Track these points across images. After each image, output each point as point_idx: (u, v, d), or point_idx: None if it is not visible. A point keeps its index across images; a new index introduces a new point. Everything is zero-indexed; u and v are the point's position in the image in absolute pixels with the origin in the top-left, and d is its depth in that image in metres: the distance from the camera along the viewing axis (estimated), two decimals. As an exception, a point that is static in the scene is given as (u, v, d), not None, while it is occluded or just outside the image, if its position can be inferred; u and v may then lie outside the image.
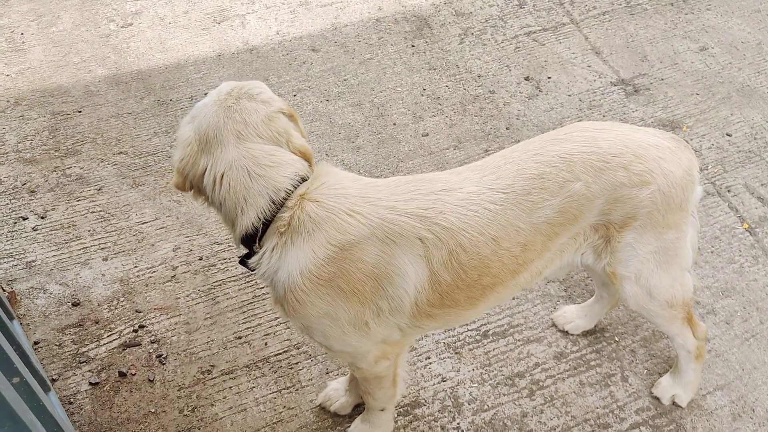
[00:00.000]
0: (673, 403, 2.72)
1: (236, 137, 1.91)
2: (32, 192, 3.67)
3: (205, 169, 1.93)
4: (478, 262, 2.04)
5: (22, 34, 4.80)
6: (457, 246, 2.00)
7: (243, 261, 2.07)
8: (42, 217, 3.53)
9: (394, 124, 4.11)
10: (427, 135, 4.03)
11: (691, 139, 3.95)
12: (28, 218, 3.52)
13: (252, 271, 2.07)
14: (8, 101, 4.28)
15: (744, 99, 4.21)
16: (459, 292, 2.08)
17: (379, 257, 1.96)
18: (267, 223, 1.95)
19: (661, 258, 2.28)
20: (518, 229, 2.06)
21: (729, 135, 3.97)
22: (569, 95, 4.29)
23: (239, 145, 1.91)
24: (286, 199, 1.94)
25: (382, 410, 2.47)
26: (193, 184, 2.00)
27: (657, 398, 2.74)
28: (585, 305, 2.96)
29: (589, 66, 4.50)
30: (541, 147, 2.13)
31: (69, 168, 3.83)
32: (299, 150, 1.99)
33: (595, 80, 4.40)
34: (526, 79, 4.43)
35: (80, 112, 4.22)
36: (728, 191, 3.63)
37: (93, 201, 3.63)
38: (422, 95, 4.32)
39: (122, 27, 4.87)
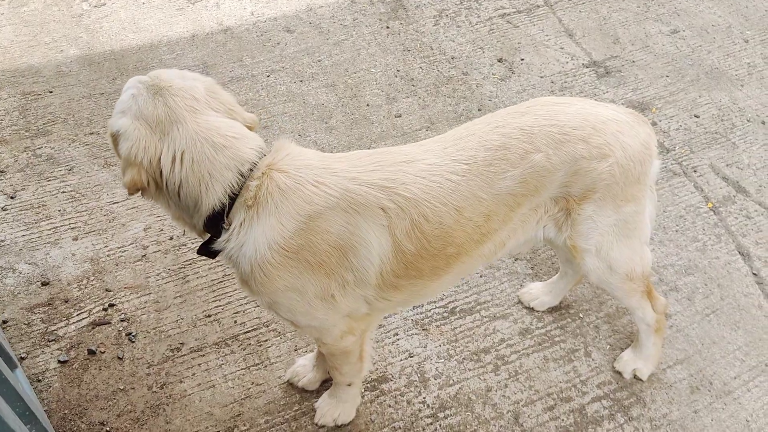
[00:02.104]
0: (635, 376, 2.79)
1: (191, 112, 1.89)
2: (2, 172, 3.65)
3: (161, 152, 1.87)
4: (441, 232, 2.07)
5: (-8, 13, 4.74)
6: (420, 216, 2.03)
7: (206, 247, 2.03)
8: (11, 197, 3.51)
9: (368, 104, 4.13)
10: (400, 116, 4.05)
11: (660, 120, 4.00)
12: (-3, 198, 3.50)
13: (213, 257, 2.05)
14: (-22, 81, 4.23)
15: (712, 81, 4.27)
16: (423, 262, 2.11)
17: (343, 228, 1.97)
18: (233, 199, 1.93)
19: (621, 231, 2.32)
20: (480, 200, 2.09)
21: (697, 116, 4.03)
22: (542, 77, 4.32)
23: (197, 119, 1.89)
24: (251, 171, 1.93)
25: (349, 385, 2.51)
26: (148, 175, 1.90)
27: (619, 372, 2.81)
28: (550, 282, 3.01)
29: (561, 48, 4.53)
30: (502, 120, 2.17)
31: (39, 148, 3.81)
32: (247, 121, 2.00)
33: (567, 62, 4.43)
34: (500, 60, 4.45)
35: (51, 92, 4.19)
36: (694, 171, 3.70)
37: (63, 181, 3.62)
38: (396, 76, 4.33)
39: (95, 6, 4.83)
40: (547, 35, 4.63)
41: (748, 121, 4.01)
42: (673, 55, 4.47)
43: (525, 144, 2.11)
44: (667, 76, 4.31)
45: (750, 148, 3.84)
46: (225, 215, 1.94)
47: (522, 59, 4.45)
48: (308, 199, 1.94)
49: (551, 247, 2.84)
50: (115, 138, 1.91)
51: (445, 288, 2.41)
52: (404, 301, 2.27)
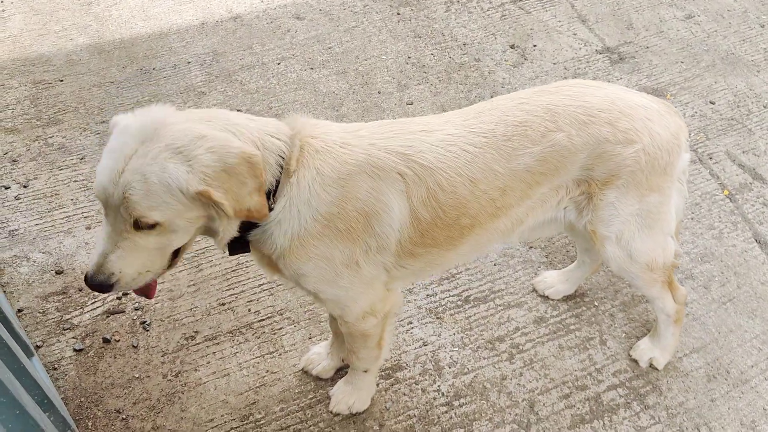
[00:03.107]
0: (651, 365, 2.77)
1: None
2: (14, 161, 3.65)
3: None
4: (455, 202, 2.07)
5: (1, 2, 4.72)
6: (435, 184, 2.03)
7: (238, 241, 1.99)
8: (24, 186, 3.51)
9: (379, 92, 4.10)
10: (411, 103, 4.02)
11: (675, 107, 3.95)
12: (10, 187, 3.50)
13: (249, 249, 2.04)
14: (-12, 70, 4.23)
15: (728, 67, 4.21)
16: (438, 231, 2.11)
17: (368, 193, 1.97)
18: (278, 180, 1.92)
19: (643, 221, 2.30)
20: (496, 173, 2.08)
21: (712, 103, 3.99)
22: (554, 63, 4.28)
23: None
24: (288, 146, 1.93)
25: (365, 371, 2.50)
26: None
27: (635, 361, 2.79)
28: (566, 270, 2.99)
29: (574, 34, 4.49)
30: (527, 97, 2.16)
31: (51, 137, 3.81)
32: None
33: (580, 48, 4.39)
34: (512, 47, 4.41)
35: (62, 81, 4.18)
36: (710, 158, 3.66)
37: (75, 170, 3.61)
38: (407, 63, 4.30)
39: (104, -5, 4.81)
40: (559, 21, 4.58)
41: (764, 107, 3.96)
42: (688, 40, 4.41)
43: (547, 122, 2.09)
44: (682, 62, 4.26)
45: (767, 134, 3.80)
46: (272, 195, 1.93)
47: (534, 45, 4.41)
48: (341, 160, 1.95)
49: (571, 234, 2.82)
50: (252, 163, 1.80)
51: (461, 259, 2.39)
52: (421, 270, 2.26)
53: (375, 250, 2.07)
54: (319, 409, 2.63)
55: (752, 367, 2.79)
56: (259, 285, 3.05)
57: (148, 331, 2.89)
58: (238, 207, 1.79)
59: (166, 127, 1.74)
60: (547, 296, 3.01)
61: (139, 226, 1.76)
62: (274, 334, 2.88)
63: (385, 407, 2.64)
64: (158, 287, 3.04)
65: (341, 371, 2.71)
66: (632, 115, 2.14)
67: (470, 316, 2.96)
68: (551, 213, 2.31)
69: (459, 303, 3.01)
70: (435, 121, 2.12)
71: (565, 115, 2.10)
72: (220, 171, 1.74)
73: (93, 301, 3.00)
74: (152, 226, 1.76)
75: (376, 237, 2.04)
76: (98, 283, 1.81)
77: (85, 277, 1.83)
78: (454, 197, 2.06)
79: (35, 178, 3.56)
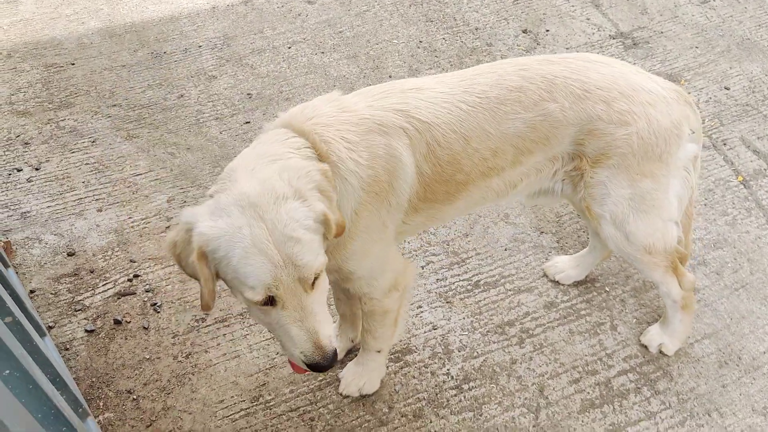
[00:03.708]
0: (660, 351, 2.76)
1: None
2: (26, 144, 3.66)
3: None
4: (451, 158, 2.09)
5: (13, -15, 4.73)
6: (433, 140, 2.05)
7: None
8: (36, 169, 3.53)
9: (390, 76, 4.08)
10: (422, 88, 4.00)
11: (689, 93, 3.91)
12: (22, 170, 3.52)
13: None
14: (0, 53, 4.24)
15: (743, 52, 4.16)
16: (438, 186, 2.14)
17: (385, 149, 1.99)
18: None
19: (637, 205, 2.27)
20: (488, 134, 2.10)
21: (727, 88, 3.94)
22: (567, 48, 4.24)
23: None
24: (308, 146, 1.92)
25: (378, 352, 2.51)
26: None
27: (645, 346, 2.78)
28: (577, 256, 2.97)
29: (588, 19, 4.44)
30: (530, 64, 2.17)
31: (63, 120, 3.82)
32: None
33: (593, 33, 4.34)
34: (524, 32, 4.37)
35: (73, 64, 4.19)
36: (724, 144, 3.62)
37: (87, 153, 3.63)
38: (419, 48, 4.27)
39: (115, -22, 4.80)
40: (572, 6, 4.54)
41: (780, 93, 3.91)
42: (702, 25, 4.36)
43: (543, 91, 2.10)
44: (696, 48, 4.21)
45: (782, 120, 3.75)
46: None
47: (547, 30, 4.37)
48: (352, 122, 1.96)
49: (581, 219, 2.80)
50: (329, 176, 1.86)
51: (457, 214, 2.39)
52: (421, 224, 2.29)
53: (395, 208, 2.09)
54: (329, 391, 2.63)
55: (764, 353, 2.76)
56: (269, 268, 3.05)
57: (158, 312, 2.91)
58: (339, 221, 1.82)
59: (249, 191, 1.71)
60: (557, 281, 3.00)
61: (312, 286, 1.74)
62: (284, 316, 2.88)
63: (395, 390, 2.64)
64: (168, 270, 3.06)
65: (350, 354, 2.72)
66: (632, 97, 2.12)
67: (480, 301, 2.95)
68: (547, 183, 2.33)
69: (469, 288, 3.00)
70: (426, 80, 2.14)
71: (562, 86, 2.11)
72: (319, 193, 1.78)
73: (104, 282, 3.02)
74: (315, 279, 1.75)
75: (395, 195, 2.05)
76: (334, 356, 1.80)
77: (324, 358, 1.76)
78: (450, 153, 2.08)
79: (47, 161, 3.57)
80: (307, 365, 1.78)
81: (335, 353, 1.79)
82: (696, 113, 2.26)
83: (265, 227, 1.66)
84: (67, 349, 2.77)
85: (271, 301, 1.71)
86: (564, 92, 2.10)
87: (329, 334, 1.78)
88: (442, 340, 2.81)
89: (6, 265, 2.84)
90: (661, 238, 2.37)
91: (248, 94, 3.98)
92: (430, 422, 2.53)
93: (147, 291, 2.99)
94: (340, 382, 2.63)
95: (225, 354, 2.76)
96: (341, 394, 2.61)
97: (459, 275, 3.04)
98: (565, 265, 2.99)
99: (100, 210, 3.33)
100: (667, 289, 2.57)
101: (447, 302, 2.94)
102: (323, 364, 1.76)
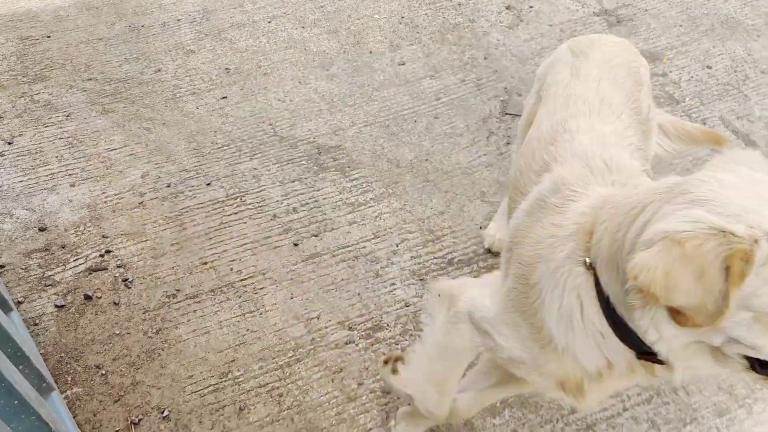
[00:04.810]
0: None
1: None
2: (-1, 117, 3.62)
3: None
4: None
5: (-12, -45, 4.64)
6: None
7: None
8: (9, 143, 3.48)
9: (370, 52, 4.03)
10: (403, 64, 3.96)
11: (671, 71, 3.88)
12: (-6, 144, 3.48)
13: None
14: (-25, 25, 4.17)
15: (727, 31, 4.12)
16: None
17: None
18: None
19: None
20: None
21: (709, 67, 3.91)
22: (550, 25, 4.19)
23: None
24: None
25: None
26: None
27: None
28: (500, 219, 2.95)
29: (572, -5, 4.39)
30: None
31: (37, 94, 3.76)
32: None
33: (577, 10, 4.29)
34: (507, 8, 4.32)
35: (49, 37, 4.12)
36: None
37: (61, 127, 3.58)
38: (400, 23, 4.22)
39: (93, -51, 4.71)
40: (557, -18, 4.47)
41: (762, 72, 3.88)
42: (687, 3, 4.31)
43: None
44: (680, 26, 4.17)
45: (763, 100, 3.73)
46: None
47: (531, 7, 4.31)
48: None
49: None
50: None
51: None
52: None
53: None
54: (298, 368, 2.63)
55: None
56: (242, 245, 3.03)
57: (129, 288, 2.89)
58: None
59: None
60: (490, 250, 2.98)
61: None
62: (256, 293, 2.87)
63: (365, 367, 2.64)
64: (141, 246, 3.04)
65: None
66: None
67: (454, 278, 2.94)
68: None
69: (443, 265, 2.99)
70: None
71: None
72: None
73: (75, 258, 3.00)
74: None
75: None
76: None
77: None
78: None
79: (20, 135, 3.53)
80: None
81: None
82: None
83: None
84: (36, 324, 2.76)
85: None
86: None
87: None
88: (413, 318, 2.81)
89: (-26, 240, 2.82)
90: None
91: (226, 68, 3.93)
92: (398, 398, 2.54)
93: (119, 266, 2.97)
94: None
95: (195, 330, 2.75)
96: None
97: (433, 253, 3.03)
98: (496, 230, 2.97)
99: (73, 185, 3.29)
100: None
101: (420, 280, 2.94)
102: None
